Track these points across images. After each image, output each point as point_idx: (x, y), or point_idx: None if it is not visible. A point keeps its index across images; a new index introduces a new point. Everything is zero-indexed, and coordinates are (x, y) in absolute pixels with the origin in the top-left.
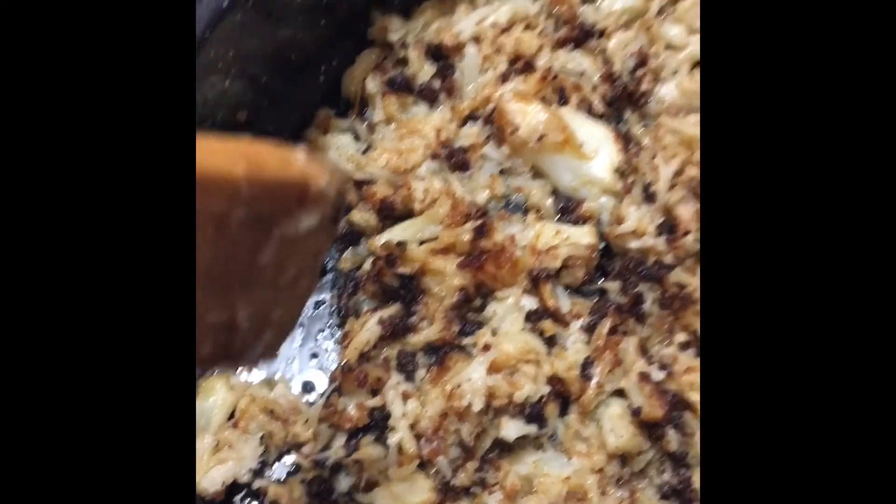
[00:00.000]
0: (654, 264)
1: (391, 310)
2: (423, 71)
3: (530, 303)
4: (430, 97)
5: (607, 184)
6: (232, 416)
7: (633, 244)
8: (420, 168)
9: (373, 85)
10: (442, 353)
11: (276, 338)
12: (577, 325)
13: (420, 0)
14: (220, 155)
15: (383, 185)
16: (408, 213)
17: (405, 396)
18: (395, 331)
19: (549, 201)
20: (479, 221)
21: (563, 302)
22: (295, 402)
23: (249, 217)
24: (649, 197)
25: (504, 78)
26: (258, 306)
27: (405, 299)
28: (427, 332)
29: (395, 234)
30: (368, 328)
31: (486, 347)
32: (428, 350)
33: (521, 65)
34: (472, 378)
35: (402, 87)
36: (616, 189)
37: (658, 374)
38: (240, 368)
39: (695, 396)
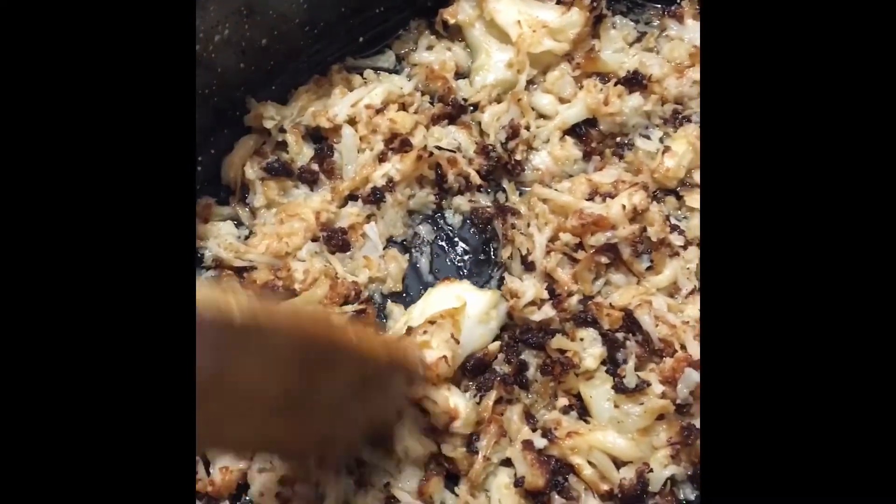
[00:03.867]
0: (538, 330)
1: None
2: (302, 154)
3: None
4: (309, 180)
5: None
6: None
7: (536, 317)
8: (301, 251)
9: (251, 171)
10: None
11: (344, 458)
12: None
13: (296, 84)
14: (373, 342)
15: (264, 270)
16: (291, 296)
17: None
18: None
19: None
20: (360, 306)
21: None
22: None
23: (376, 380)
24: (528, 266)
25: (382, 157)
26: (348, 433)
27: None
28: None
29: None
30: None
31: None
32: None
33: (398, 143)
34: None
35: (280, 171)
36: None
37: (540, 442)
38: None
39: (577, 459)
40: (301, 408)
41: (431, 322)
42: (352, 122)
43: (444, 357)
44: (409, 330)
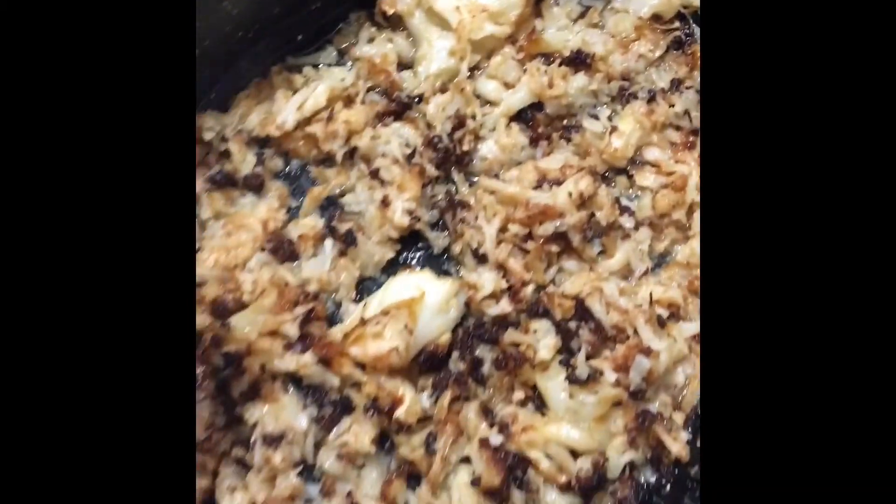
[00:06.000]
0: (493, 325)
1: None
2: (246, 161)
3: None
4: (255, 185)
5: None
6: None
7: (493, 311)
8: (250, 261)
9: (196, 183)
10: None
11: None
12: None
13: (236, 90)
14: None
15: (213, 284)
16: (242, 308)
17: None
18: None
19: None
20: (309, 306)
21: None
22: None
23: None
24: (481, 259)
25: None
26: None
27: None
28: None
29: None
30: None
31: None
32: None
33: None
34: None
35: (225, 182)
36: None
37: (497, 438)
38: None
39: (534, 453)
40: None
41: (385, 313)
42: (300, 126)
43: (396, 348)
44: (363, 321)
